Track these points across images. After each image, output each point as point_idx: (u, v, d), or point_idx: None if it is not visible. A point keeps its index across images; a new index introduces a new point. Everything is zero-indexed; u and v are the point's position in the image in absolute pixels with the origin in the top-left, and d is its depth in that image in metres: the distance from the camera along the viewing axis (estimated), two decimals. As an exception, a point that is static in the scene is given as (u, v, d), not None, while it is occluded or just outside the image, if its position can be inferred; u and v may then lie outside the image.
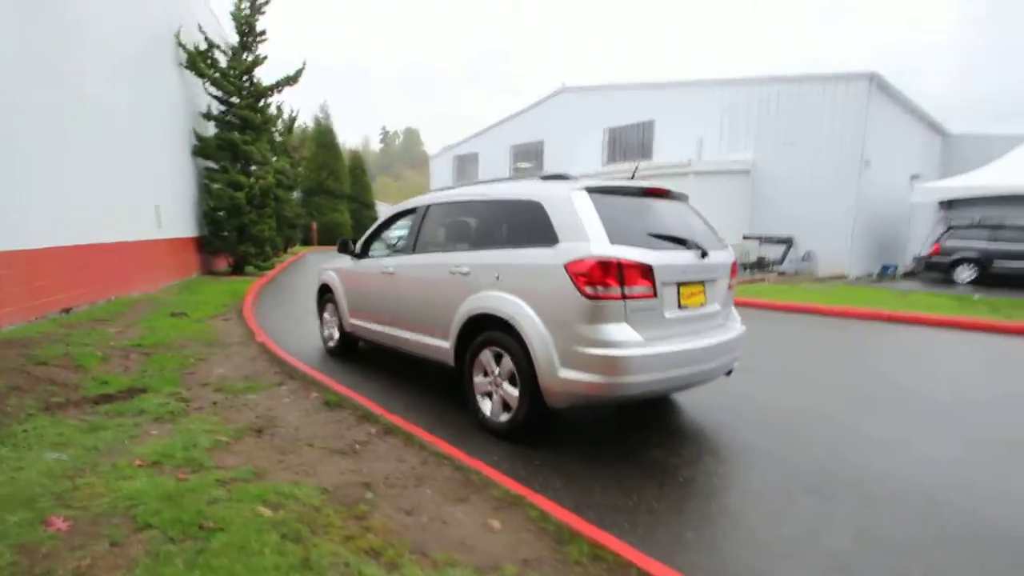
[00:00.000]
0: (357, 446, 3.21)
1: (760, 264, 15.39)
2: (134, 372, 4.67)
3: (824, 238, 15.29)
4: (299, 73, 12.67)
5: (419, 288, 4.26)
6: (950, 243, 14.33)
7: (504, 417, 3.48)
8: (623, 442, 3.49)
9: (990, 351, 6.51)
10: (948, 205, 16.77)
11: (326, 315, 5.92)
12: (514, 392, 3.38)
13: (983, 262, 13.60)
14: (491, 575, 1.97)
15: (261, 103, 12.66)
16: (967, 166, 16.87)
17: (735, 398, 4.32)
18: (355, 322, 5.27)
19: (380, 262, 4.87)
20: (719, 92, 17.06)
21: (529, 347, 3.20)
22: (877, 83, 14.59)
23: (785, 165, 15.88)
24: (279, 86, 12.63)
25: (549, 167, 22.33)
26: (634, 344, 2.99)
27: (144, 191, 9.30)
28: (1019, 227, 13.84)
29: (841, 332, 7.65)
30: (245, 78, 12.30)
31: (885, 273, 15.72)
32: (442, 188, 4.73)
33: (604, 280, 2.95)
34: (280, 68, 13.18)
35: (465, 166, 27.27)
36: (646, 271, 3.07)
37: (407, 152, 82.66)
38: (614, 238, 3.07)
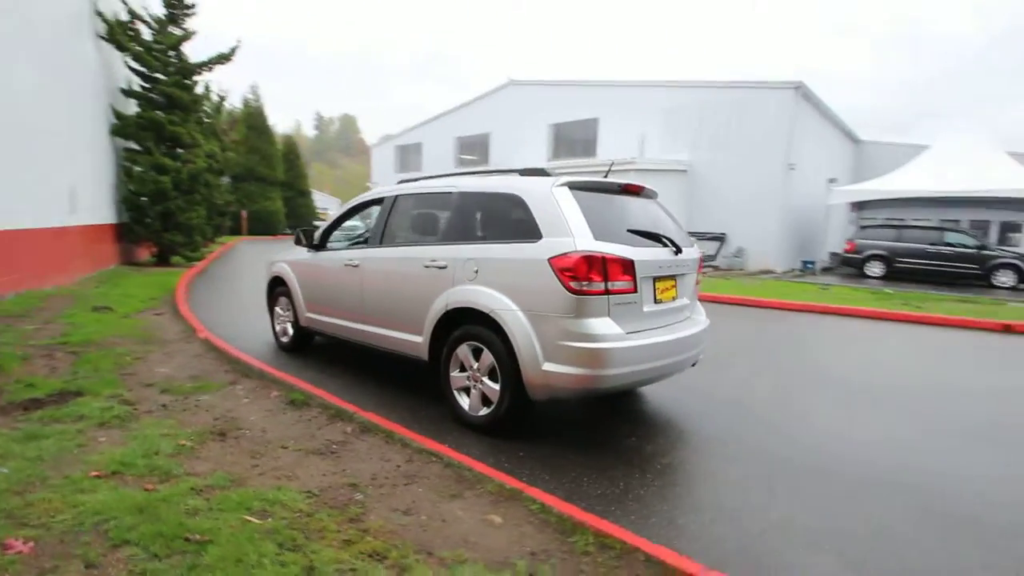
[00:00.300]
0: (334, 446, 3.08)
1: (696, 259, 16.18)
2: (63, 373, 4.23)
3: (753, 235, 16.29)
4: (233, 51, 11.84)
5: (388, 282, 4.14)
6: (862, 241, 15.71)
7: (484, 411, 3.46)
8: (596, 432, 3.57)
9: (909, 340, 7.22)
10: (859, 206, 18.38)
11: (278, 309, 5.62)
12: (494, 387, 3.36)
13: (890, 259, 15.02)
14: (503, 571, 1.96)
15: (190, 81, 11.74)
16: (876, 171, 18.50)
17: (703, 386, 4.53)
18: (312, 316, 5.04)
19: (342, 255, 4.68)
20: (660, 94, 17.69)
21: (512, 341, 3.19)
22: (803, 92, 15.68)
23: (719, 166, 16.74)
24: (211, 64, 11.75)
25: (495, 160, 22.30)
26: (616, 338, 3.06)
27: (54, 172, 8.38)
28: (920, 227, 15.41)
29: (781, 323, 8.21)
30: (172, 53, 11.35)
31: (806, 268, 16.99)
32: (409, 178, 4.60)
33: (589, 275, 3.00)
34: (210, 46, 12.29)
35: (408, 156, 26.70)
36: (628, 266, 3.14)
37: (343, 139, 79.74)
38: (596, 234, 3.12)
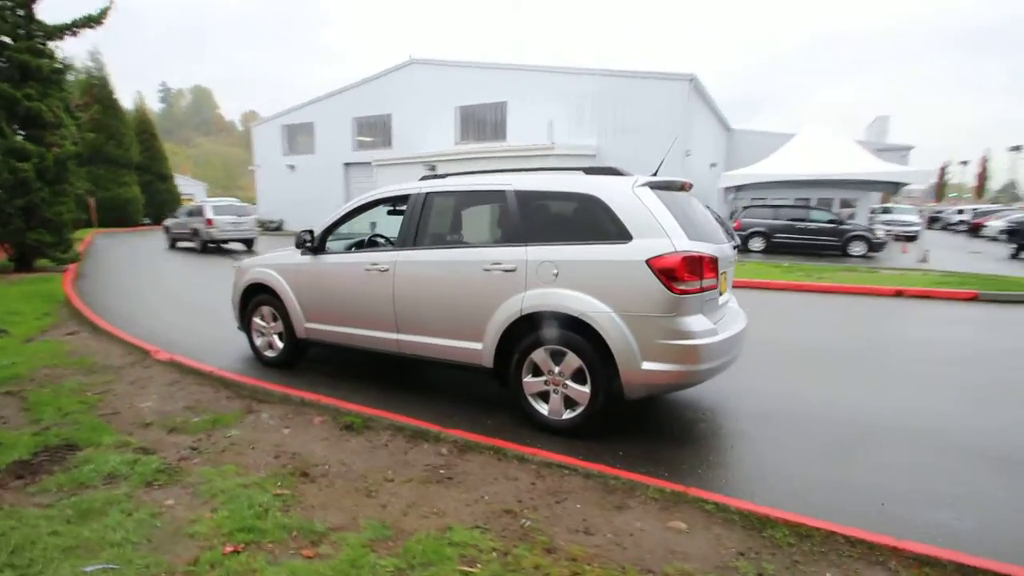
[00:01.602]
0: (442, 471, 2.87)
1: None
2: (23, 423, 3.39)
3: (658, 217, 17.57)
4: (105, 12, 9.82)
5: (433, 287, 3.86)
6: (746, 220, 17.74)
7: (568, 415, 3.42)
8: (661, 423, 3.70)
9: (832, 307, 8.36)
10: (736, 189, 20.66)
11: (258, 320, 4.96)
12: (582, 389, 3.34)
13: (769, 235, 17.17)
14: (725, 574, 2.01)
15: (46, 47, 9.58)
16: (745, 157, 20.90)
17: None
18: (316, 327, 4.53)
19: (358, 257, 4.26)
20: (567, 80, 18.18)
21: (609, 342, 3.18)
22: (695, 84, 17.10)
23: (624, 151, 17.71)
24: (75, 27, 9.66)
25: (398, 143, 21.37)
26: (710, 333, 3.20)
27: None
28: (791, 206, 17.79)
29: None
30: (21, 12, 9.16)
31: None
32: (432, 175, 4.29)
33: (688, 275, 3.08)
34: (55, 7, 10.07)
35: (297, 136, 24.53)
36: (714, 263, 3.29)
37: (198, 115, 70.65)
38: (686, 232, 3.21)
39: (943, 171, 50.46)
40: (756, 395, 4.18)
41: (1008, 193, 53.69)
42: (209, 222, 15.22)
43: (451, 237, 3.97)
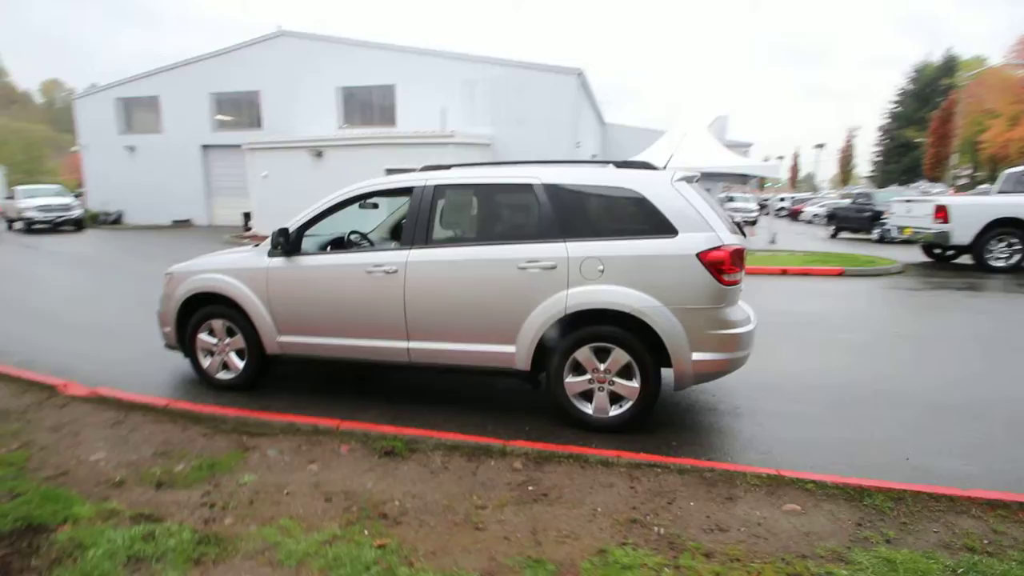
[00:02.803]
0: (531, 487, 2.67)
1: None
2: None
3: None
4: None
5: (455, 288, 3.55)
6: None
7: (615, 411, 3.40)
8: (688, 411, 3.85)
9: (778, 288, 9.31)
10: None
11: (206, 338, 4.15)
12: (630, 384, 3.33)
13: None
14: (863, 546, 2.16)
15: None
16: (619, 150, 22.48)
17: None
18: (294, 340, 3.92)
19: (354, 258, 3.76)
20: (459, 66, 17.84)
21: (662, 336, 3.21)
22: (582, 79, 17.88)
23: (518, 142, 17.95)
24: None
25: (269, 124, 19.25)
26: (748, 320, 3.40)
27: None
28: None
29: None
30: None
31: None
32: (435, 166, 3.92)
33: (735, 267, 3.22)
34: None
35: (137, 112, 20.85)
36: (744, 254, 3.47)
37: (-27, 82, 56.50)
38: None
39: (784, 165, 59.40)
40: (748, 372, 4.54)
41: (808, 183, 64.90)
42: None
43: (471, 234, 3.67)
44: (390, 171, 16.81)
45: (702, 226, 3.24)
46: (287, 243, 3.85)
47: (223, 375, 4.19)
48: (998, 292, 8.08)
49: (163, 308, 4.30)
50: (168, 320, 4.25)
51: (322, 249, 4.23)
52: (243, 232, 16.38)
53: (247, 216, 17.07)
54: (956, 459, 3.02)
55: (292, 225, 3.91)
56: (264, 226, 15.77)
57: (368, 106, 18.76)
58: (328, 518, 2.40)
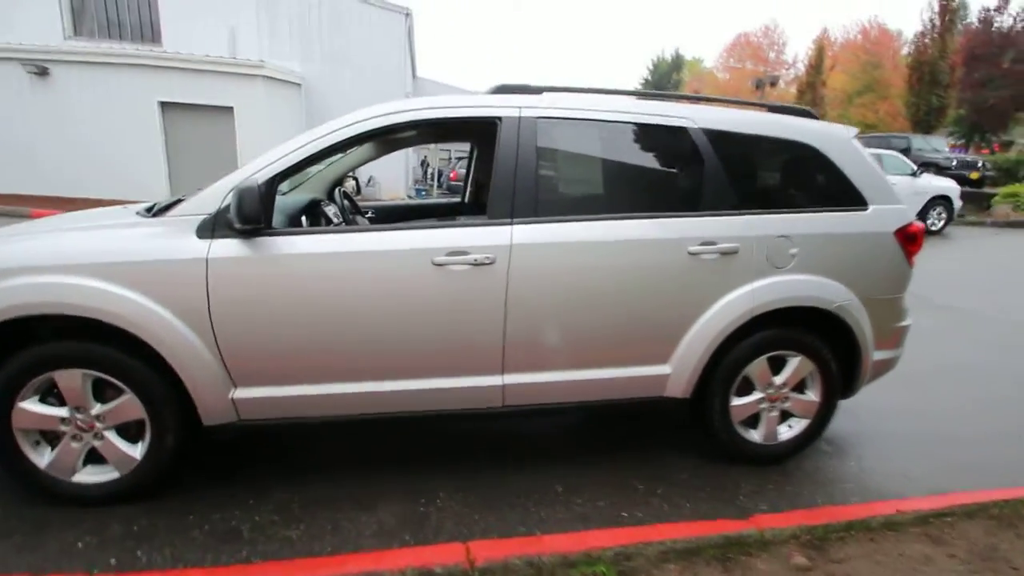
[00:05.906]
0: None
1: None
2: None
3: (382, 164, 16.05)
4: None
5: (593, 286, 2.25)
6: (461, 171, 18.20)
7: (787, 435, 2.63)
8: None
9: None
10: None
11: (37, 410, 2.01)
12: (808, 398, 2.60)
13: (484, 185, 18.17)
14: None
15: None
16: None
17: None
18: (276, 393, 2.12)
19: (407, 239, 2.13)
20: (255, -22, 14.01)
21: (857, 337, 2.53)
22: (410, 21, 15.83)
23: (337, 84, 15.18)
24: None
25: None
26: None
27: None
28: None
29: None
30: None
31: (420, 194, 18.34)
32: (521, 86, 2.41)
33: (918, 246, 2.69)
34: None
35: None
36: None
37: None
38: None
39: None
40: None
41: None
42: None
43: (605, 201, 2.37)
44: (165, 105, 12.57)
45: (890, 196, 2.61)
46: (253, 213, 1.96)
47: (89, 477, 2.11)
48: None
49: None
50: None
51: (297, 223, 2.39)
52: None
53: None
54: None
55: (253, 178, 2.01)
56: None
57: (116, 13, 13.50)
58: None
